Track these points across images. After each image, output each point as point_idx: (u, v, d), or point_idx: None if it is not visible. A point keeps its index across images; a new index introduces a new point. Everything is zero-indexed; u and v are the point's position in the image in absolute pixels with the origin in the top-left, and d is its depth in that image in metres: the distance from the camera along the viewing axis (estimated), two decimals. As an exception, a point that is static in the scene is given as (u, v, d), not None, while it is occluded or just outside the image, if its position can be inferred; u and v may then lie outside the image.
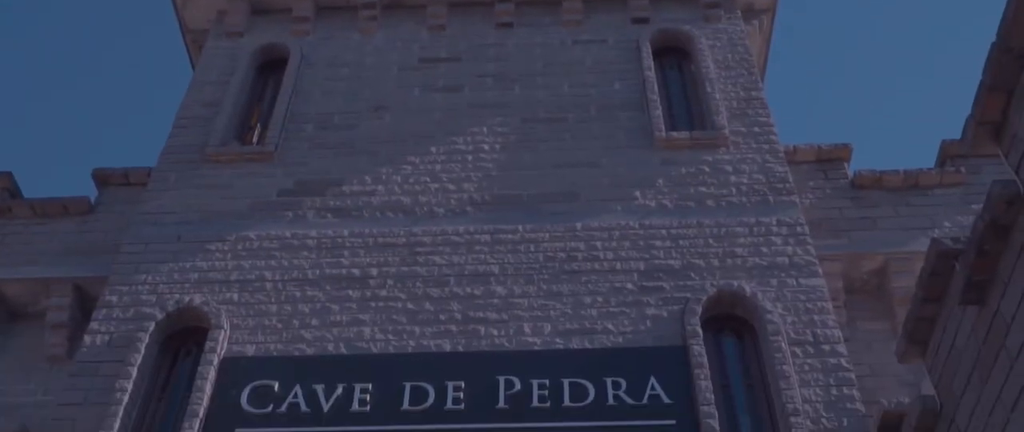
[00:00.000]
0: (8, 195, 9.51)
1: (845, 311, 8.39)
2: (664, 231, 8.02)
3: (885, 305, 8.53)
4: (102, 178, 9.69)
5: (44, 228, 9.30)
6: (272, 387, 7.04)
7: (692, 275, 7.65)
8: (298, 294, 7.72)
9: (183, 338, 7.67)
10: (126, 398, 7.00)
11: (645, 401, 6.78)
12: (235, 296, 7.73)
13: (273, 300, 7.69)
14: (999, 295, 4.83)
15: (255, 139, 9.56)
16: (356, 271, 7.87)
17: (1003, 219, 4.66)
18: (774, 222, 8.07)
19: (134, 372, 7.16)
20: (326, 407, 6.89)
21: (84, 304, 8.74)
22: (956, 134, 9.33)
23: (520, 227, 8.13)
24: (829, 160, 9.37)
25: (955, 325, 5.39)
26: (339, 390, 6.97)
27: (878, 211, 8.93)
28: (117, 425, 6.82)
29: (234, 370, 7.18)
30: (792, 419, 6.53)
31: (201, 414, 6.85)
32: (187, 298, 7.71)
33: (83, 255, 9.02)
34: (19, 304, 8.89)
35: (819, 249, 8.19)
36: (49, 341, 8.57)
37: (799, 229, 8.00)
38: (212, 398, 6.99)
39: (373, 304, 7.60)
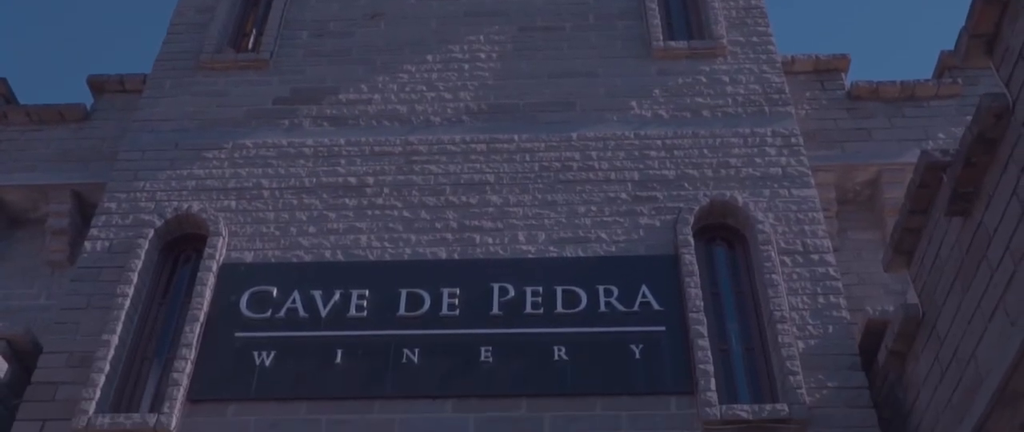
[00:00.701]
0: (3, 101, 9.50)
1: (837, 221, 8.50)
2: (659, 141, 8.06)
3: (877, 216, 8.63)
4: (98, 85, 9.66)
5: (41, 134, 9.32)
6: (271, 293, 7.18)
7: (686, 185, 7.71)
8: (295, 202, 7.80)
9: (182, 245, 7.78)
10: (127, 303, 7.14)
11: (636, 308, 6.93)
12: (233, 203, 7.81)
13: (270, 208, 7.77)
14: (983, 207, 4.90)
15: (250, 45, 9.51)
16: (353, 179, 7.93)
17: (991, 132, 4.70)
18: (769, 133, 8.10)
19: (135, 277, 7.29)
20: (324, 312, 7.05)
21: (83, 210, 8.82)
22: (956, 45, 9.27)
23: (516, 136, 8.16)
24: (826, 71, 9.34)
25: (940, 236, 5.48)
26: (336, 296, 7.11)
27: (873, 122, 8.95)
28: (120, 328, 6.98)
29: (233, 276, 7.31)
30: (779, 326, 6.68)
31: (201, 318, 7.01)
32: (185, 205, 7.79)
33: (81, 162, 9.07)
34: (19, 210, 8.97)
35: (813, 160, 8.24)
36: (50, 247, 8.68)
37: (793, 140, 8.04)
38: (212, 303, 7.13)
39: (370, 212, 7.69)
